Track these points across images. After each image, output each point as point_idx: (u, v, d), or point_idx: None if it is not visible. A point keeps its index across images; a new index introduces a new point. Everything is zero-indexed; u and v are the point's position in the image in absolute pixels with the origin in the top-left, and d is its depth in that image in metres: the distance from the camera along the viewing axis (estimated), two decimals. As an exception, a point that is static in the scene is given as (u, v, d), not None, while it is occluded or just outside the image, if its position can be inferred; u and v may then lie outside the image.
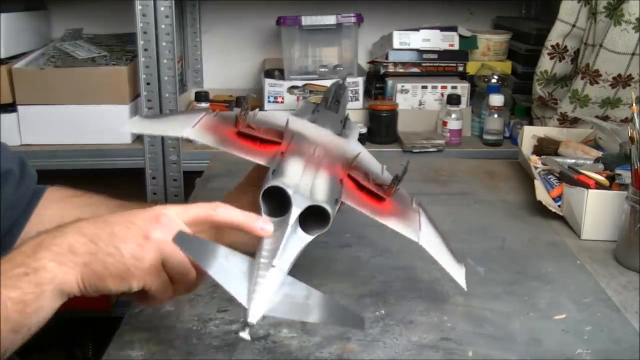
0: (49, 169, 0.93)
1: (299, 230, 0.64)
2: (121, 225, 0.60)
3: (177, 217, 0.62)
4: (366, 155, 0.80)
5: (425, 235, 0.70)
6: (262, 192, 0.65)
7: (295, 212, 0.63)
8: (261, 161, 0.70)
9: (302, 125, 0.79)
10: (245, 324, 0.54)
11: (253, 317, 0.55)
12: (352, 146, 0.81)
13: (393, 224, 0.69)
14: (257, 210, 0.65)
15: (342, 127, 0.85)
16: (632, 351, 0.70)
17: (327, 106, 0.87)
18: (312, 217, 0.65)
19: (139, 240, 0.59)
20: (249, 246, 0.80)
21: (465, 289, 0.71)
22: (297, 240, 0.63)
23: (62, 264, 0.57)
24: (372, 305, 0.77)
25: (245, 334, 0.54)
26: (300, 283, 0.59)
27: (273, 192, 0.65)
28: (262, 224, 0.62)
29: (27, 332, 0.56)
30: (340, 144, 0.80)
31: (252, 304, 0.55)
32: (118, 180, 1.68)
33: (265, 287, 0.56)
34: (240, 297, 0.56)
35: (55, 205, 0.88)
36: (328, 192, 0.66)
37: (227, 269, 0.57)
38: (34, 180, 0.89)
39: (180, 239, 0.57)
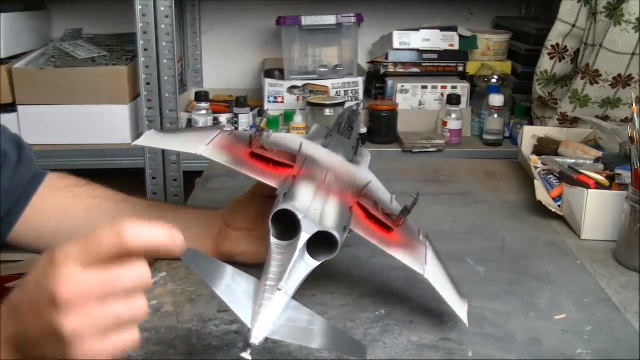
0: (49, 169, 0.92)
1: (307, 255, 0.64)
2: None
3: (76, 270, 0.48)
4: (376, 184, 0.80)
5: (430, 269, 0.70)
6: (272, 215, 0.65)
7: (304, 237, 0.63)
8: (273, 183, 0.70)
9: (315, 150, 0.79)
10: (248, 345, 0.55)
11: (255, 339, 0.55)
12: (364, 174, 0.81)
13: (400, 255, 0.69)
14: (264, 220, 0.65)
15: (354, 153, 0.85)
16: (632, 351, 0.70)
17: (340, 132, 0.87)
18: (319, 241, 0.65)
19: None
20: (247, 256, 0.81)
21: (467, 325, 0.70)
22: (304, 265, 0.63)
23: None
24: (372, 305, 0.77)
25: (247, 355, 0.54)
26: (304, 308, 0.59)
27: (282, 215, 0.65)
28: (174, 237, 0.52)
29: None
30: (352, 171, 0.79)
31: (255, 325, 0.55)
32: (118, 180, 1.68)
33: (269, 310, 0.57)
34: (245, 317, 0.56)
35: (56, 194, 0.87)
36: (337, 219, 0.67)
37: (233, 289, 0.58)
38: (32, 164, 0.88)
39: (189, 257, 0.58)
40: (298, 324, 0.57)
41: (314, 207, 0.66)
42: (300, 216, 0.64)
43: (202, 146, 0.73)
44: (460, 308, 0.71)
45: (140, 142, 0.76)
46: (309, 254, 0.64)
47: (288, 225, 0.65)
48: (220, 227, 0.84)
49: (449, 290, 0.72)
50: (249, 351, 0.54)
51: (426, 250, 0.73)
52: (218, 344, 0.69)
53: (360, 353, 0.58)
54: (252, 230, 0.81)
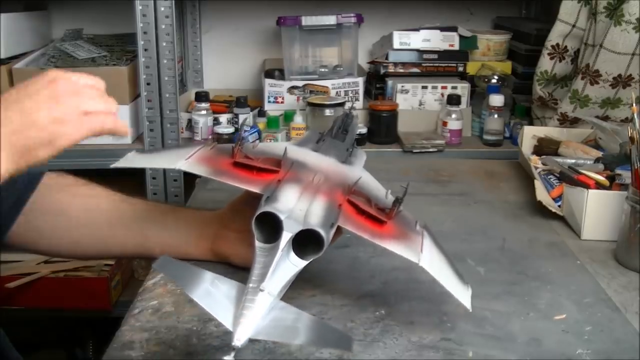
0: (48, 169, 0.92)
1: (292, 255, 0.64)
2: (24, 97, 0.62)
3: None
4: (369, 180, 0.79)
5: (427, 257, 0.69)
6: (254, 219, 0.65)
7: (286, 236, 0.63)
8: (256, 189, 0.70)
9: (304, 154, 0.79)
10: (231, 348, 0.54)
11: (238, 341, 0.54)
12: (356, 172, 0.80)
13: (392, 246, 0.68)
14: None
15: (347, 155, 0.84)
16: (632, 351, 0.70)
17: (334, 135, 0.87)
18: (311, 243, 0.64)
19: (52, 106, 0.62)
20: (240, 258, 0.81)
21: (471, 310, 0.69)
22: (289, 265, 0.63)
23: None
24: (372, 305, 0.77)
25: (230, 358, 0.54)
26: (292, 307, 0.58)
27: (268, 219, 0.65)
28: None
29: None
30: (343, 170, 0.79)
31: (238, 327, 0.55)
32: (118, 180, 1.68)
33: (252, 311, 0.56)
34: (225, 321, 0.56)
35: (55, 193, 0.87)
36: (323, 217, 0.66)
37: (212, 293, 0.58)
38: None
39: (162, 264, 0.58)
40: (283, 322, 0.57)
41: (299, 208, 0.66)
42: (282, 217, 0.64)
43: (181, 161, 0.73)
44: (462, 294, 0.69)
45: (119, 164, 0.75)
46: (300, 256, 0.64)
47: (276, 229, 0.64)
48: (217, 227, 0.84)
49: (449, 276, 0.70)
50: (232, 354, 0.54)
51: (423, 239, 0.71)
52: (218, 344, 0.69)
53: (346, 345, 0.57)
54: (247, 233, 0.81)
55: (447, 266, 0.72)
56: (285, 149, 0.76)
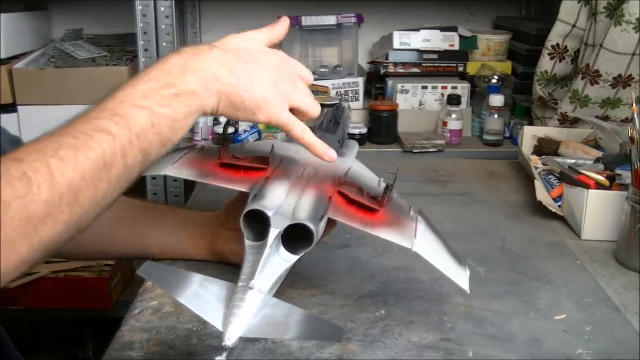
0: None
1: (282, 250, 0.64)
2: (253, 64, 0.67)
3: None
4: (360, 169, 0.79)
5: (421, 242, 0.68)
6: (242, 217, 0.65)
7: (274, 232, 0.63)
8: (243, 188, 0.70)
9: (293, 150, 0.79)
10: (222, 348, 0.54)
11: (228, 340, 0.54)
12: (346, 163, 0.80)
13: (384, 233, 0.67)
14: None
15: (339, 147, 0.84)
16: (632, 351, 0.70)
17: (324, 129, 0.87)
18: (303, 237, 0.64)
19: (269, 84, 0.67)
20: (237, 256, 0.80)
21: (468, 292, 0.69)
22: (279, 260, 0.63)
23: (208, 89, 0.63)
24: (372, 305, 0.77)
25: (222, 358, 0.54)
26: (284, 303, 0.58)
27: (258, 217, 0.65)
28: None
29: (171, 147, 0.63)
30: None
31: (228, 327, 0.55)
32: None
33: (242, 310, 0.56)
34: (215, 321, 0.56)
35: None
36: (312, 211, 0.66)
37: (201, 295, 0.57)
38: None
39: (146, 270, 0.58)
40: (275, 319, 0.57)
41: (287, 203, 0.66)
42: (269, 213, 0.64)
43: (168, 166, 0.73)
44: (459, 276, 0.69)
45: None
46: (292, 251, 0.64)
47: (266, 226, 0.64)
48: (214, 227, 0.84)
49: (444, 260, 0.70)
50: (224, 355, 0.54)
51: (417, 224, 0.71)
52: (218, 344, 0.68)
53: (337, 336, 0.57)
54: None
55: (442, 250, 0.71)
56: (273, 145, 0.76)
